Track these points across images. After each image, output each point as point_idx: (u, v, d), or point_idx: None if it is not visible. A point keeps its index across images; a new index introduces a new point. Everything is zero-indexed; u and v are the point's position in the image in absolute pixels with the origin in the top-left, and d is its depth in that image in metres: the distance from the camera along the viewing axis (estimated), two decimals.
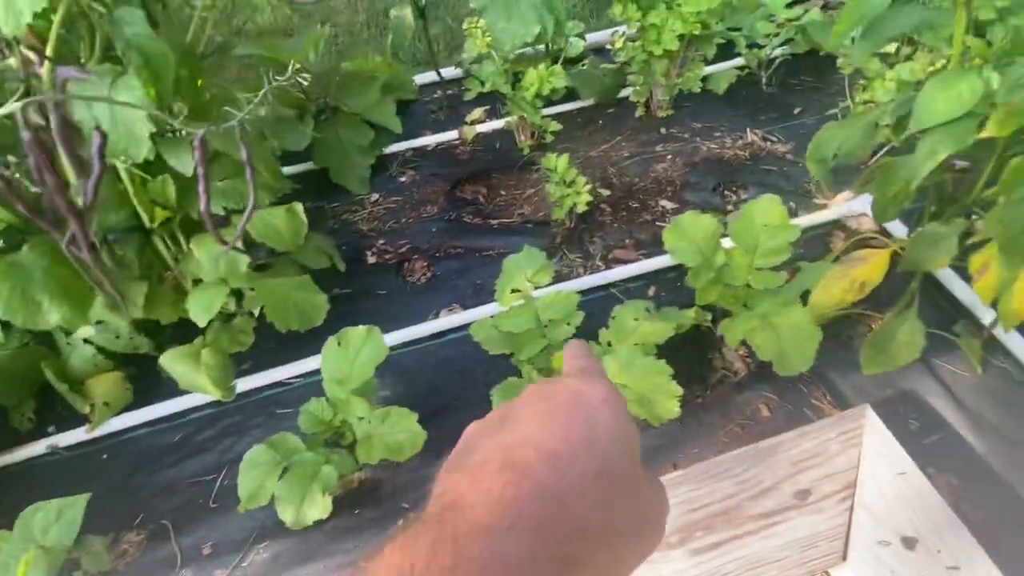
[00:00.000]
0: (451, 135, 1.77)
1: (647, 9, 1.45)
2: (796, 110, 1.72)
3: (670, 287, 1.29)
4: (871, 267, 0.93)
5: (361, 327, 0.92)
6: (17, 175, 0.82)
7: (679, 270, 1.32)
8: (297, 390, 1.20)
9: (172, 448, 1.15)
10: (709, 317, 1.16)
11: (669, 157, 1.59)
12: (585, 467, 0.24)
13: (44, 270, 0.89)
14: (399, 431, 0.89)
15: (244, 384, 1.20)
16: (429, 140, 1.78)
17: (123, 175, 0.96)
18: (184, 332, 1.19)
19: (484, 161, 1.69)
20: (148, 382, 1.21)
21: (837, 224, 1.38)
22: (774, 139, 1.63)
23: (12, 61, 0.83)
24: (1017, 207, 0.64)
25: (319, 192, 1.62)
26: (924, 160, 0.69)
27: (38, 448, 1.14)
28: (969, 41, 0.69)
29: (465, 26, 1.52)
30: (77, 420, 1.17)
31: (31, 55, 0.83)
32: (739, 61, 1.84)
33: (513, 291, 1.02)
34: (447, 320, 1.26)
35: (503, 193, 1.64)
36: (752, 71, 1.81)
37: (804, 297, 1.06)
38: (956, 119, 0.66)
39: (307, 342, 1.25)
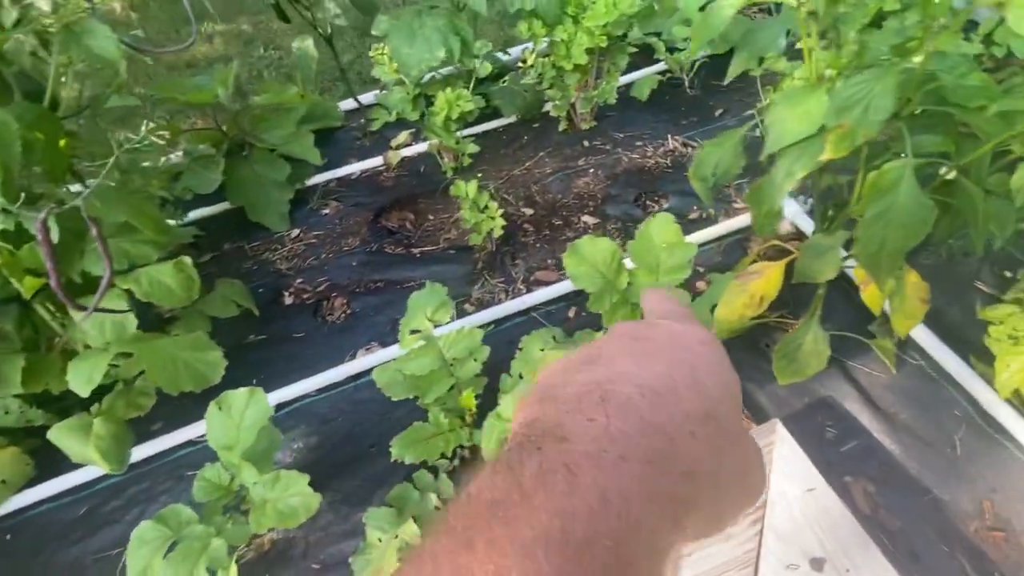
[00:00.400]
0: (376, 161, 1.73)
1: (553, 25, 1.43)
2: (717, 112, 1.72)
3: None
4: (767, 281, 0.92)
5: (242, 389, 0.88)
6: None
7: None
8: (207, 449, 1.15)
9: (78, 522, 1.09)
10: None
11: (591, 171, 1.57)
12: (692, 408, 0.22)
13: None
14: (291, 495, 0.85)
15: (153, 447, 1.15)
16: (354, 168, 1.74)
17: None
18: (90, 397, 1.13)
19: (409, 187, 1.66)
20: (51, 454, 1.15)
21: None
22: (695, 144, 1.62)
23: None
24: (873, 225, 0.62)
25: (239, 232, 1.57)
26: (783, 180, 0.67)
27: None
28: (817, 54, 0.68)
29: (372, 53, 1.49)
30: None
31: None
32: (662, 66, 1.84)
33: (412, 332, 0.99)
34: (362, 361, 1.23)
35: (431, 218, 1.60)
36: (675, 75, 1.81)
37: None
38: (809, 137, 0.64)
39: (215, 397, 1.20)
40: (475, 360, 1.00)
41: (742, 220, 1.37)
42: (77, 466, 1.14)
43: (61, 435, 0.99)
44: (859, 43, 0.63)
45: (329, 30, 1.54)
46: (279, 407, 1.18)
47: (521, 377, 1.03)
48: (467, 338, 1.00)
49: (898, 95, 0.56)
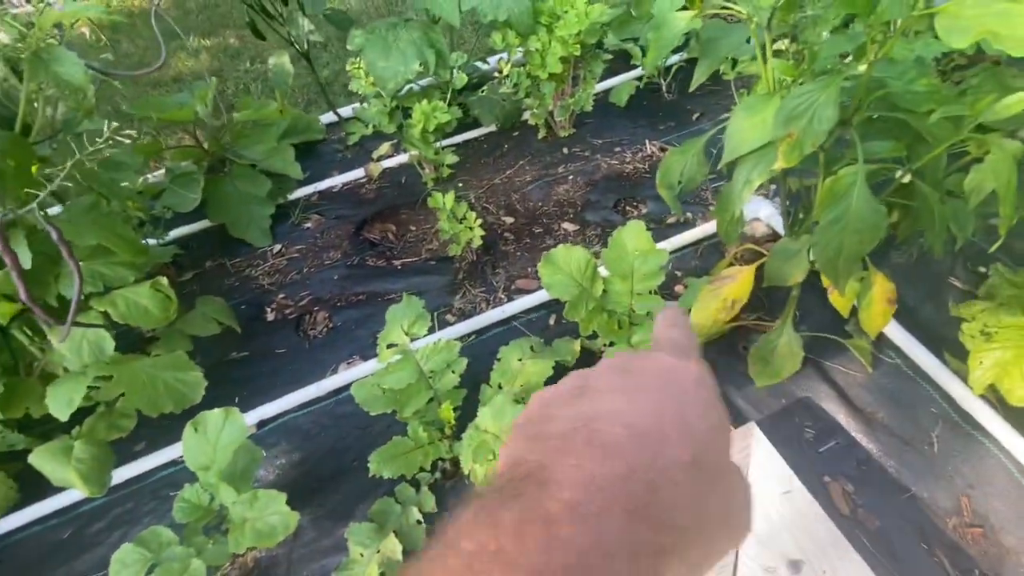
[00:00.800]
0: (358, 173, 1.74)
1: (526, 35, 1.45)
2: (695, 116, 1.73)
3: None
4: (738, 285, 0.93)
5: (218, 410, 0.88)
6: None
7: None
8: (189, 470, 1.15)
9: (62, 546, 1.09)
10: (605, 343, 1.14)
11: (571, 178, 1.58)
12: (677, 452, 0.22)
13: None
14: (269, 514, 0.85)
15: (136, 468, 1.14)
16: (336, 181, 1.74)
17: None
18: (71, 420, 1.13)
19: (390, 198, 1.66)
20: (35, 478, 1.14)
21: None
22: (672, 148, 1.63)
23: None
24: (829, 230, 0.63)
25: (220, 248, 1.57)
26: (741, 188, 0.68)
27: None
28: (771, 63, 0.69)
29: (348, 67, 1.50)
30: None
31: None
32: (639, 72, 1.85)
33: (390, 346, 0.99)
34: (344, 376, 1.23)
35: (412, 229, 1.61)
36: (652, 80, 1.82)
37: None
38: (764, 145, 0.65)
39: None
40: (453, 372, 1.01)
41: None
42: (61, 489, 1.14)
43: (41, 459, 0.99)
44: (810, 51, 0.64)
45: (305, 45, 1.55)
46: (261, 424, 1.18)
47: (500, 387, 1.04)
48: (444, 350, 1.00)
49: (843, 104, 0.56)
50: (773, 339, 0.98)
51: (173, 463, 1.16)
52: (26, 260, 0.91)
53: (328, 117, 1.92)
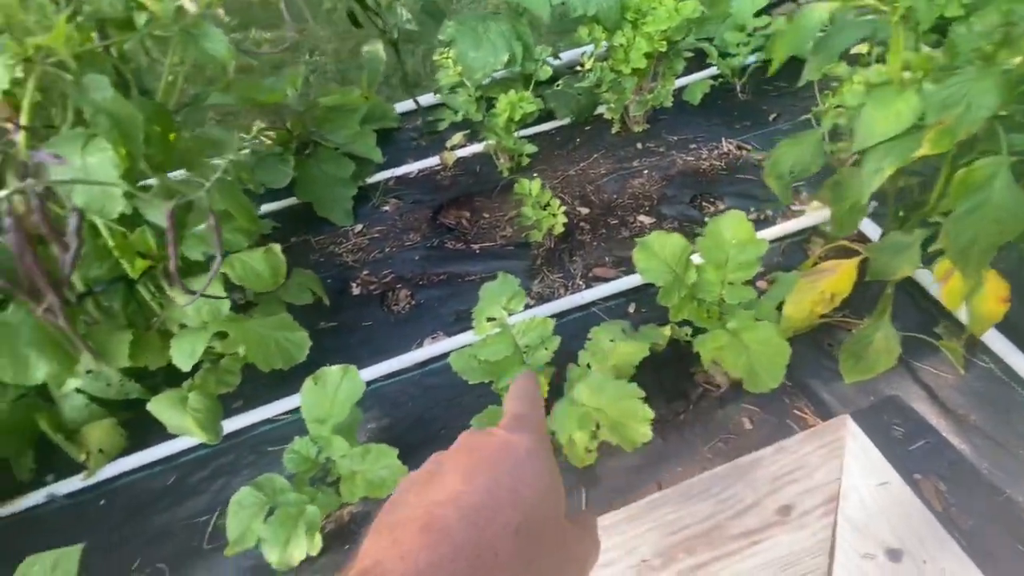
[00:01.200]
0: (433, 161, 1.80)
1: (613, 30, 1.48)
2: (771, 117, 1.73)
3: (651, 303, 1.29)
4: (839, 278, 0.94)
5: (337, 366, 0.94)
6: None
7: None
8: (285, 427, 1.22)
9: (166, 491, 1.17)
10: (689, 332, 1.16)
11: (646, 172, 1.61)
12: (507, 520, 0.25)
13: (31, 327, 0.92)
14: (380, 468, 0.90)
15: (235, 423, 1.22)
16: (411, 167, 1.81)
17: (103, 230, 0.99)
18: (174, 375, 1.21)
19: (465, 185, 1.72)
20: (142, 426, 1.23)
21: (815, 230, 1.38)
22: (749, 147, 1.64)
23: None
24: (963, 220, 0.64)
25: (305, 226, 1.65)
26: (870, 176, 0.70)
27: (38, 497, 1.16)
28: (907, 56, 0.70)
29: (436, 57, 1.56)
30: (76, 468, 1.19)
31: (8, 125, 0.87)
32: (713, 71, 1.86)
33: (489, 319, 1.04)
34: (430, 349, 1.28)
35: (486, 216, 1.66)
36: (727, 80, 1.83)
37: (782, 308, 1.06)
38: (898, 136, 0.66)
39: (294, 379, 1.26)
40: (546, 349, 1.04)
41: (801, 222, 1.39)
42: (166, 438, 1.22)
43: (160, 407, 1.06)
44: (950, 45, 0.65)
45: (395, 35, 1.61)
46: None
47: (589, 367, 1.07)
48: (540, 327, 1.04)
49: (1000, 94, 0.58)
50: (868, 334, 0.99)
51: (268, 421, 1.23)
52: (163, 219, 0.98)
53: (402, 106, 1.99)
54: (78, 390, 1.13)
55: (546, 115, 1.79)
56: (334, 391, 0.93)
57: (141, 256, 1.05)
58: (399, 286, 1.47)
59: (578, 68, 1.61)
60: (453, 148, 1.82)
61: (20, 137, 0.86)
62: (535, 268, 1.43)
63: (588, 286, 1.35)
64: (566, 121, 1.79)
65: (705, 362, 0.99)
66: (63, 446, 1.15)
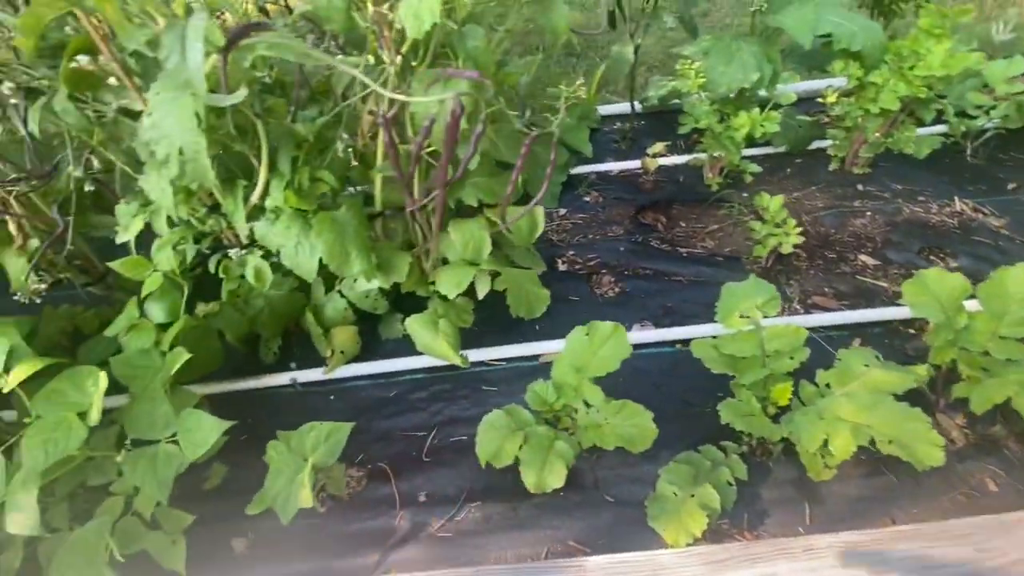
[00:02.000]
0: (632, 164, 1.87)
1: (870, 69, 1.48)
2: (1010, 186, 1.64)
3: (877, 342, 1.27)
4: None
5: (608, 323, 1.01)
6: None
7: (886, 326, 1.30)
8: (500, 372, 1.31)
9: (388, 402, 1.29)
10: (928, 378, 1.13)
11: (868, 214, 1.58)
12: None
13: (354, 228, 1.07)
14: (631, 424, 0.95)
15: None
16: (612, 167, 1.89)
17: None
18: (408, 303, 1.34)
19: (667, 192, 1.77)
20: (369, 340, 1.37)
21: None
22: (986, 211, 1.56)
23: (369, 57, 1.02)
24: None
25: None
26: None
27: (282, 380, 1.32)
28: None
29: (678, 67, 1.62)
30: (311, 361, 1.35)
31: (386, 55, 1.02)
32: (941, 128, 1.80)
33: (741, 316, 1.07)
34: (641, 335, 1.32)
35: (682, 224, 1.70)
36: (956, 139, 1.76)
37: None
38: None
39: (508, 331, 1.37)
40: (791, 358, 1.05)
41: None
42: (389, 354, 1.35)
43: (416, 325, 1.19)
44: None
45: (639, 41, 1.71)
46: None
47: (828, 386, 1.07)
48: (792, 335, 1.05)
49: None
50: None
51: (483, 364, 1.32)
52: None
53: (603, 109, 2.09)
54: (341, 294, 1.29)
55: (762, 140, 1.81)
56: (600, 345, 1.00)
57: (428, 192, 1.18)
58: (603, 271, 1.53)
59: (819, 99, 1.61)
60: (655, 156, 1.88)
61: (394, 67, 1.01)
62: None
63: (807, 311, 1.35)
64: (780, 150, 1.80)
65: (979, 408, 0.95)
66: (316, 340, 1.30)
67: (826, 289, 1.40)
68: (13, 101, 0.93)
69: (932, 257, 1.47)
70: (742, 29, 2.32)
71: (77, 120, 0.93)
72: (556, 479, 0.93)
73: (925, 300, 1.03)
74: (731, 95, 1.54)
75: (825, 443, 0.94)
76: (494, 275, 1.21)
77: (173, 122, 0.81)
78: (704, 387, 1.22)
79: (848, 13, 1.49)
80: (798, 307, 1.36)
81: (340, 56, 1.01)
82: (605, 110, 2.09)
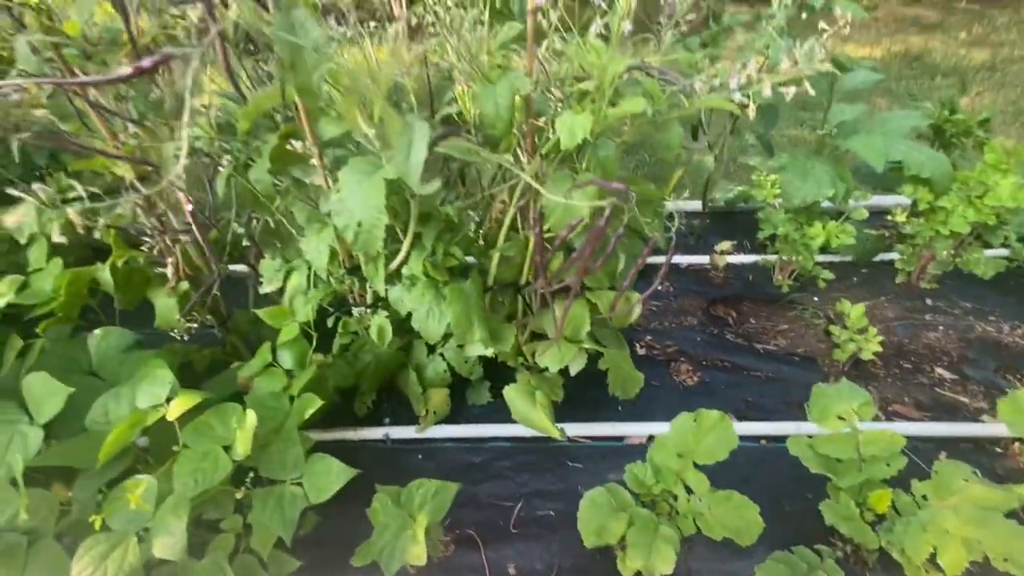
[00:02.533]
0: (700, 259, 1.99)
1: (939, 195, 1.60)
2: None
3: (964, 457, 1.27)
4: None
5: (715, 411, 1.06)
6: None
7: (973, 442, 1.31)
8: (585, 449, 1.35)
9: (475, 467, 1.33)
10: None
11: (940, 328, 1.63)
12: None
13: (475, 299, 1.18)
14: (737, 516, 0.98)
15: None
16: (681, 260, 2.01)
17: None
18: (494, 372, 1.42)
19: (736, 288, 1.86)
20: (457, 404, 1.44)
21: None
22: None
23: (508, 156, 1.18)
24: None
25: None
26: None
27: (375, 434, 1.38)
28: None
29: (754, 177, 1.78)
30: (403, 419, 1.42)
31: (523, 156, 1.18)
32: (1004, 252, 1.89)
33: (839, 418, 1.11)
34: None
35: (752, 321, 1.77)
36: (1020, 263, 1.84)
37: None
38: None
39: (592, 410, 1.42)
40: (888, 465, 1.08)
41: None
42: (474, 419, 1.41)
43: (513, 394, 1.25)
44: None
45: (717, 152, 1.89)
46: (650, 438, 1.35)
47: (925, 498, 1.08)
48: (888, 440, 1.08)
49: None
50: None
51: (572, 440, 1.36)
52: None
53: (675, 205, 2.25)
54: (443, 356, 1.38)
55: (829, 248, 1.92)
56: (705, 433, 1.05)
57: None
58: (682, 359, 1.60)
59: (887, 216, 1.73)
60: (723, 253, 2.00)
61: (531, 164, 1.16)
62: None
63: (888, 419, 1.37)
64: (846, 259, 1.90)
65: None
66: (414, 399, 1.38)
67: (905, 399, 1.43)
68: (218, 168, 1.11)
69: (1008, 376, 1.50)
70: (796, 141, 2.52)
71: (265, 188, 1.10)
72: (665, 565, 0.94)
73: (1022, 420, 1.06)
74: (803, 206, 1.68)
75: (931, 556, 0.94)
76: (592, 354, 1.29)
77: (359, 199, 0.96)
78: (791, 487, 1.23)
79: (913, 143, 1.65)
80: (879, 414, 1.39)
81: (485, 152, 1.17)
82: (673, 206, 2.26)
